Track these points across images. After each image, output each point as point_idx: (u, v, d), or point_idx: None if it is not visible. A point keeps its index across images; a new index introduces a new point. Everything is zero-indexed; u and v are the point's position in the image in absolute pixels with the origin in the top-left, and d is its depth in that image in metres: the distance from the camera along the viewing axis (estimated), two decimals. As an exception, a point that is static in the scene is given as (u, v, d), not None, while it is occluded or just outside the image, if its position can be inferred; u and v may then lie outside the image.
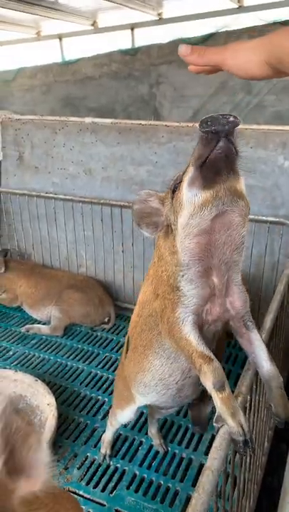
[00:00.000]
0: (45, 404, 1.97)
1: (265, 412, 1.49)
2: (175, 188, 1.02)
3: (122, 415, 1.63)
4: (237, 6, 5.17)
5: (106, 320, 2.84)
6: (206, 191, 0.92)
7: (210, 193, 0.92)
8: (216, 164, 0.90)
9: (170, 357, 1.23)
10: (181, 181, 0.99)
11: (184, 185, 0.96)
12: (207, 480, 0.82)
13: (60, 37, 6.24)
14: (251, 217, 2.36)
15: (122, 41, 5.90)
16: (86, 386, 2.31)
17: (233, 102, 5.51)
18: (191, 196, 0.94)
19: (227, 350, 2.49)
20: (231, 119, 0.87)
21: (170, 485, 1.78)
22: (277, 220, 2.32)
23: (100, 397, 2.21)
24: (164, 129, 2.49)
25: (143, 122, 2.55)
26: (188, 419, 2.06)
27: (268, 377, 1.13)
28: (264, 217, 2.34)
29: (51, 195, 2.86)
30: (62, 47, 6.27)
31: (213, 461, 0.85)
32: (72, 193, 2.83)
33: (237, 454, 1.00)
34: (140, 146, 2.57)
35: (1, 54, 6.77)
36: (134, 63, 5.77)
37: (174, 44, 5.52)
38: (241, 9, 5.22)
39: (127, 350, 1.42)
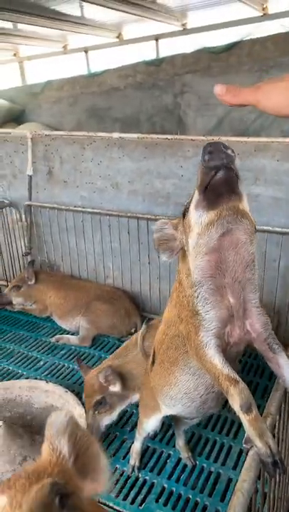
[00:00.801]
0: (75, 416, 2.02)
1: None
2: (185, 213, 1.09)
3: (148, 424, 1.67)
4: (261, 14, 5.16)
5: (133, 331, 2.88)
6: (210, 212, 1.01)
7: (214, 213, 1.00)
8: (217, 188, 1.00)
9: (195, 373, 1.28)
10: (187, 207, 1.08)
11: (191, 208, 1.05)
12: (238, 502, 0.84)
13: (86, 50, 6.39)
14: (278, 229, 2.37)
15: (146, 52, 5.99)
16: (114, 397, 2.35)
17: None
18: (197, 217, 1.03)
19: (254, 362, 2.49)
20: (229, 152, 0.99)
21: (198, 499, 1.79)
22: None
23: (128, 409, 2.24)
24: (189, 143, 2.52)
25: (169, 137, 2.59)
26: (217, 432, 2.07)
27: None
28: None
29: (79, 208, 2.93)
30: (88, 59, 6.41)
31: (244, 483, 0.87)
32: (99, 206, 2.89)
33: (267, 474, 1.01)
34: (166, 160, 2.60)
35: (29, 68, 6.98)
36: (159, 73, 5.84)
37: (198, 53, 5.56)
38: (265, 17, 5.21)
39: (153, 362, 1.46)
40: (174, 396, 1.39)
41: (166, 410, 1.51)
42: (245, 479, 0.89)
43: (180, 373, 1.32)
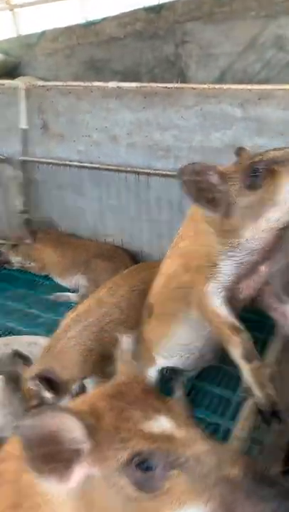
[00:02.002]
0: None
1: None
2: (256, 172, 0.95)
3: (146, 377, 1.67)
4: None
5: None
6: None
7: None
8: None
9: (194, 326, 1.26)
10: (270, 169, 0.94)
11: (287, 185, 0.92)
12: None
13: (81, -4, 6.01)
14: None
15: (146, -1, 5.63)
16: (115, 352, 2.36)
17: (263, 59, 5.22)
18: None
19: (253, 316, 2.48)
20: None
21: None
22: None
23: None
24: (190, 91, 2.40)
25: (169, 85, 2.46)
26: (216, 384, 2.09)
27: None
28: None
29: (76, 163, 2.84)
30: (85, 6, 6.05)
31: (241, 431, 0.86)
32: (97, 160, 2.79)
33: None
34: (166, 110, 2.48)
35: (23, 17, 6.60)
36: (159, 21, 5.52)
37: (200, -2, 5.23)
38: None
39: (149, 315, 1.45)
40: (171, 348, 1.39)
41: (162, 362, 1.51)
42: (242, 428, 0.88)
43: (179, 325, 1.30)
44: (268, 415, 0.94)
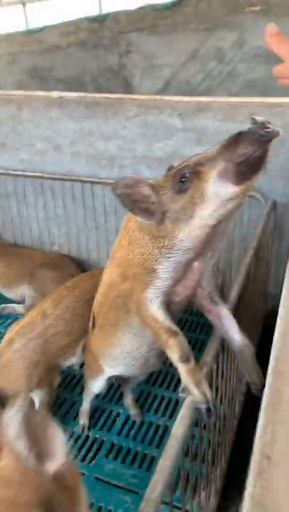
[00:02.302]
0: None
1: (235, 378, 1.57)
2: (183, 178, 1.00)
3: (94, 385, 1.69)
4: None
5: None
6: (237, 186, 0.94)
7: (240, 189, 0.95)
8: (257, 163, 0.93)
9: (137, 333, 1.28)
10: (195, 172, 0.98)
11: (212, 177, 0.96)
12: (172, 447, 0.87)
13: (23, 2, 5.95)
14: (221, 190, 2.39)
15: (88, 7, 5.67)
16: (64, 361, 2.35)
17: (204, 71, 5.43)
18: (220, 189, 0.95)
19: (189, 317, 2.58)
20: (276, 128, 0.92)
21: (147, 452, 1.86)
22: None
23: (76, 373, 2.26)
24: (132, 102, 2.45)
25: (111, 96, 2.50)
26: (164, 388, 2.14)
27: (240, 349, 1.19)
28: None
29: (20, 172, 2.80)
30: (26, 14, 5.99)
31: (179, 428, 0.90)
32: (41, 169, 2.77)
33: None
34: (109, 120, 2.52)
35: None
36: (103, 31, 5.58)
37: (143, 10, 5.35)
38: (211, -27, 5.06)
39: (93, 326, 1.46)
40: (116, 357, 1.40)
41: (109, 371, 1.53)
42: (180, 425, 0.92)
43: (122, 333, 1.32)
44: (204, 412, 0.99)
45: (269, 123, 0.90)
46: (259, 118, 0.91)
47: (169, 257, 1.08)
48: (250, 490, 0.35)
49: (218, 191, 0.95)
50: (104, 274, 1.33)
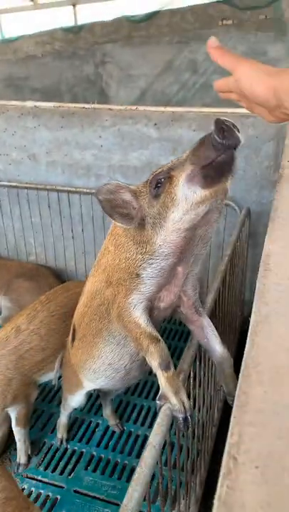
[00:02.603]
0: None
1: (213, 385, 1.58)
2: (158, 183, 1.02)
3: (73, 400, 1.67)
4: (180, -16, 5.13)
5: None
6: (206, 190, 0.95)
7: (209, 192, 0.95)
8: (222, 167, 0.94)
9: (120, 343, 1.27)
10: (168, 177, 1.00)
11: (181, 181, 0.97)
12: (149, 455, 0.87)
13: (-2, 13, 5.94)
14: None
15: (64, 18, 5.71)
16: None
17: (179, 81, 5.52)
18: (189, 193, 0.96)
19: (168, 325, 2.59)
20: (238, 133, 0.92)
21: (127, 462, 1.84)
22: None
23: (55, 383, 2.22)
24: (107, 112, 2.47)
25: (86, 106, 2.51)
26: (143, 397, 2.13)
27: (220, 360, 1.20)
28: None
29: (-5, 182, 2.77)
30: (1, 23, 5.97)
31: (156, 436, 0.90)
32: (16, 179, 2.75)
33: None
34: (84, 129, 2.53)
35: None
36: (78, 41, 5.61)
37: (118, 22, 5.42)
38: (184, -13, 5.18)
39: (73, 339, 1.44)
40: (97, 369, 1.38)
41: (89, 385, 1.51)
42: (157, 433, 0.92)
43: (104, 344, 1.30)
44: (181, 421, 0.99)
45: (231, 129, 0.91)
46: (220, 123, 0.91)
47: (151, 263, 1.09)
48: (218, 491, 0.36)
49: (186, 194, 0.97)
50: (87, 283, 1.33)
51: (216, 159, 0.92)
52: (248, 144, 2.28)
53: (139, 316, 1.12)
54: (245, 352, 0.52)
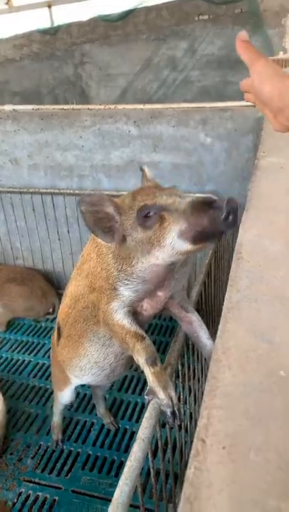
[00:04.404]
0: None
1: (202, 378, 1.59)
2: (147, 215, 1.02)
3: (63, 396, 1.68)
4: (153, -20, 5.12)
5: (50, 311, 2.82)
6: (193, 245, 0.99)
7: (195, 248, 0.99)
8: (214, 235, 0.98)
9: (105, 344, 1.28)
10: (159, 216, 1.01)
11: (172, 231, 0.99)
12: (138, 448, 0.87)
13: (-27, 17, 5.88)
14: (180, 194, 2.44)
15: (40, 20, 5.67)
16: (34, 377, 2.32)
17: (159, 78, 5.52)
18: (177, 244, 1.00)
19: (155, 321, 2.60)
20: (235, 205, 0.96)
21: (123, 459, 1.85)
22: (205, 196, 2.40)
23: (48, 387, 2.22)
24: (86, 112, 2.47)
25: (65, 107, 2.50)
26: (137, 394, 2.14)
27: (210, 354, 1.20)
28: (192, 195, 2.41)
29: (-23, 187, 2.76)
30: (-23, 28, 5.92)
31: (144, 430, 0.91)
32: (-1, 184, 2.74)
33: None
34: (65, 131, 2.53)
35: None
36: (56, 43, 5.59)
37: (94, 21, 5.40)
38: (158, -17, 5.18)
39: (59, 336, 1.45)
40: (83, 367, 1.39)
41: (76, 381, 1.52)
42: (146, 426, 0.93)
43: (89, 344, 1.31)
44: (168, 415, 1.00)
45: (237, 213, 0.95)
46: (232, 205, 0.95)
47: (126, 284, 1.10)
48: (187, 472, 0.37)
49: (174, 244, 1.00)
50: (70, 285, 1.33)
51: (210, 231, 0.96)
52: (228, 137, 2.30)
53: (122, 319, 1.13)
54: (216, 338, 0.53)
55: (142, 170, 1.28)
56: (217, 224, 0.94)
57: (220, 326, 0.54)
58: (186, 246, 0.99)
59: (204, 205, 0.97)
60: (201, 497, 0.34)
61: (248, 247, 0.74)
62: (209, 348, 1.21)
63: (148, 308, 1.16)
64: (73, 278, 1.32)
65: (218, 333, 0.53)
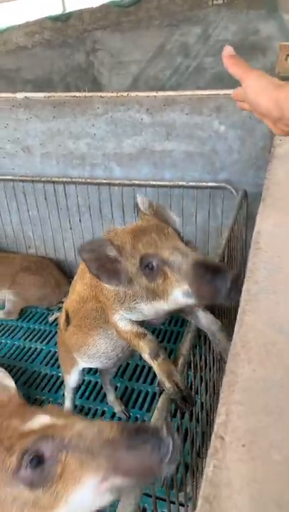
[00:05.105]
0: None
1: (215, 368, 1.58)
2: (149, 266, 1.01)
3: (71, 379, 1.69)
4: None
5: (63, 300, 2.83)
6: (199, 301, 0.99)
7: (198, 301, 0.99)
8: (217, 301, 0.95)
9: (113, 338, 1.32)
10: (161, 270, 1.00)
11: (175, 291, 0.99)
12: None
13: (-16, 4, 5.84)
14: (193, 183, 2.41)
15: (51, 7, 5.61)
16: (46, 365, 2.34)
17: (172, 66, 5.43)
18: (181, 300, 1.00)
19: None
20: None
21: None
22: (218, 184, 2.37)
23: (60, 374, 2.24)
24: (98, 100, 2.44)
25: (77, 94, 2.48)
26: (148, 383, 2.15)
27: (207, 325, 1.20)
28: (205, 183, 2.39)
29: (-10, 176, 2.76)
30: (-11, 15, 5.87)
31: (156, 421, 0.91)
32: (11, 172, 2.74)
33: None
34: (77, 118, 2.50)
35: None
36: (67, 30, 5.52)
37: (106, 8, 5.32)
38: None
39: (67, 322, 1.46)
40: (92, 355, 1.43)
41: (83, 364, 1.54)
42: (157, 418, 0.92)
43: (98, 337, 1.35)
44: (179, 401, 1.00)
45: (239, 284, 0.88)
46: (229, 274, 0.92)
47: (124, 315, 1.14)
48: (205, 470, 0.36)
49: (178, 300, 1.00)
50: (77, 283, 1.34)
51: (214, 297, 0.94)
52: (242, 125, 2.25)
53: (125, 325, 1.16)
54: (234, 331, 0.51)
55: (136, 206, 1.24)
56: (219, 294, 0.93)
57: (237, 319, 0.52)
58: (191, 301, 0.99)
59: (208, 272, 0.94)
60: (221, 496, 0.33)
61: (266, 237, 0.72)
62: (202, 318, 1.20)
63: (150, 321, 1.19)
64: (79, 276, 1.32)
65: (236, 326, 0.51)
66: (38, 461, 0.65)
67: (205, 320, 1.19)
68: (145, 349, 1.09)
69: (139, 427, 0.67)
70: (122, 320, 1.15)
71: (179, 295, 0.99)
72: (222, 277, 0.91)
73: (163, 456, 0.63)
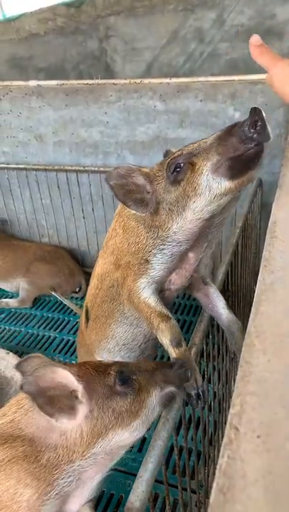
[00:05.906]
0: (19, 376, 2.00)
1: (228, 358, 1.58)
2: (177, 167, 0.98)
3: None
4: None
5: (77, 290, 2.85)
6: (231, 181, 0.92)
7: (234, 184, 0.93)
8: (250, 161, 0.91)
9: (132, 324, 1.27)
10: (189, 163, 0.96)
11: (206, 170, 0.94)
12: (163, 427, 0.87)
13: (-3, -9, 5.79)
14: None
15: (64, -8, 5.54)
16: (59, 353, 2.36)
17: (186, 52, 5.33)
18: (213, 184, 0.93)
19: (178, 300, 2.59)
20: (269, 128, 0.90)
21: (146, 436, 1.87)
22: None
23: (73, 362, 2.26)
24: (111, 87, 2.42)
25: (90, 82, 2.47)
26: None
27: (227, 324, 1.19)
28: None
29: (3, 165, 2.77)
30: (1, 2, 5.83)
31: (169, 410, 0.91)
32: (24, 161, 2.74)
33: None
34: (89, 106, 2.49)
35: None
36: (80, 16, 5.45)
37: (120, -8, 5.24)
38: None
39: (87, 319, 1.45)
40: (112, 349, 1.39)
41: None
42: (170, 407, 0.92)
43: (117, 325, 1.30)
44: (193, 397, 0.99)
45: (265, 123, 0.88)
46: (256, 115, 0.87)
47: (163, 249, 1.07)
48: (219, 461, 0.36)
49: (211, 185, 0.93)
50: (96, 265, 1.32)
51: (244, 153, 0.89)
52: (258, 111, 2.20)
53: (148, 297, 1.11)
54: (249, 321, 0.50)
55: (165, 155, 1.23)
56: (248, 139, 0.88)
57: (253, 309, 0.52)
58: (224, 183, 0.92)
59: (228, 130, 0.92)
60: (235, 487, 0.33)
61: (283, 226, 0.71)
62: (225, 317, 1.18)
63: (176, 280, 1.14)
64: (100, 256, 1.31)
65: (251, 316, 0.51)
66: (126, 379, 0.90)
67: (226, 318, 1.18)
68: (166, 334, 1.05)
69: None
70: (147, 289, 1.11)
71: (209, 175, 0.93)
72: (242, 122, 0.89)
73: None
